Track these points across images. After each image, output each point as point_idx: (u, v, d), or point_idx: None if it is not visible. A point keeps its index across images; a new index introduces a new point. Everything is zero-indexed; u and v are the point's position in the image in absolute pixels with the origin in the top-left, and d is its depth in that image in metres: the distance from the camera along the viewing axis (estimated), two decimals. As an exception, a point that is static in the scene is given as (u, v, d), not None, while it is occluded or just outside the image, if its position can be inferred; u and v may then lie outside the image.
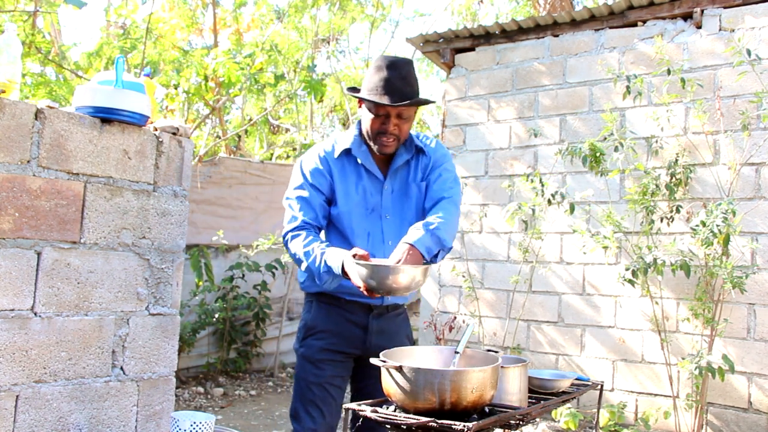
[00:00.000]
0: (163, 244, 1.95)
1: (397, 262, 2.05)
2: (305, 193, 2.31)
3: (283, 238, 2.33)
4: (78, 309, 1.77)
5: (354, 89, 2.39)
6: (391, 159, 2.39)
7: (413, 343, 2.51)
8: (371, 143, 2.32)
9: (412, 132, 2.43)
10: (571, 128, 5.11)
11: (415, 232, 2.15)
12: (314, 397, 2.29)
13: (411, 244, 2.10)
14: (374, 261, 2.12)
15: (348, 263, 2.08)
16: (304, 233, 2.26)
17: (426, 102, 2.31)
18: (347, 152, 2.36)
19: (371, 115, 2.28)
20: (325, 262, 2.16)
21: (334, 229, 2.38)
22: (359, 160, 2.35)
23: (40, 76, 6.77)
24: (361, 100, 2.34)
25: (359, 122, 2.40)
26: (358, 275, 2.04)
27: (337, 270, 2.12)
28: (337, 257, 2.13)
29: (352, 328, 2.34)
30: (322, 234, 2.38)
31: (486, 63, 5.57)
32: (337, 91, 11.08)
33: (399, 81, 2.24)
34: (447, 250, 2.22)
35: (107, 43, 7.37)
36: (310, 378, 2.31)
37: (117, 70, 1.86)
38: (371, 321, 2.35)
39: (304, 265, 2.22)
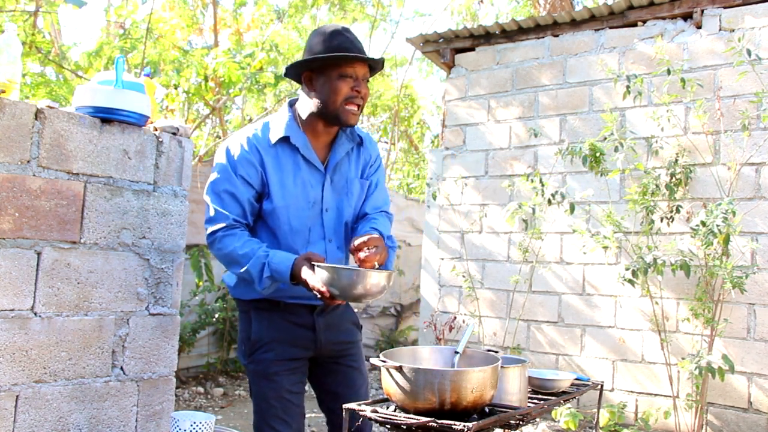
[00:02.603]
0: (163, 244, 1.95)
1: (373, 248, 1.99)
2: (233, 187, 2.09)
3: (209, 237, 2.10)
4: (78, 309, 1.77)
5: (294, 67, 2.13)
6: (330, 148, 2.21)
7: (360, 327, 2.37)
8: (337, 115, 2.09)
9: None
10: (571, 128, 5.11)
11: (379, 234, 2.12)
12: (276, 411, 2.15)
13: (384, 242, 2.07)
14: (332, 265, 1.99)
15: (304, 267, 1.94)
16: (237, 233, 2.08)
17: (383, 65, 2.18)
18: (284, 140, 2.14)
19: (337, 81, 2.06)
20: (268, 265, 2.01)
21: (264, 227, 2.16)
22: (298, 149, 2.14)
23: (40, 76, 6.77)
24: (310, 74, 2.11)
25: (291, 105, 2.21)
26: (320, 280, 1.90)
27: (286, 275, 1.98)
28: (285, 261, 1.99)
29: (300, 331, 2.18)
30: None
31: (486, 63, 5.57)
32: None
33: (358, 43, 2.11)
34: None
35: (107, 43, 7.37)
36: (268, 393, 2.15)
37: (117, 70, 1.86)
38: (317, 319, 2.19)
39: (241, 269, 2.05)
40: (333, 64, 2.07)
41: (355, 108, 2.10)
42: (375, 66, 2.15)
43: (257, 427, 2.20)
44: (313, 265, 1.94)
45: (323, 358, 2.27)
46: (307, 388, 2.30)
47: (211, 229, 2.10)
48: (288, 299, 2.16)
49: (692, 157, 4.57)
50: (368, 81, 2.14)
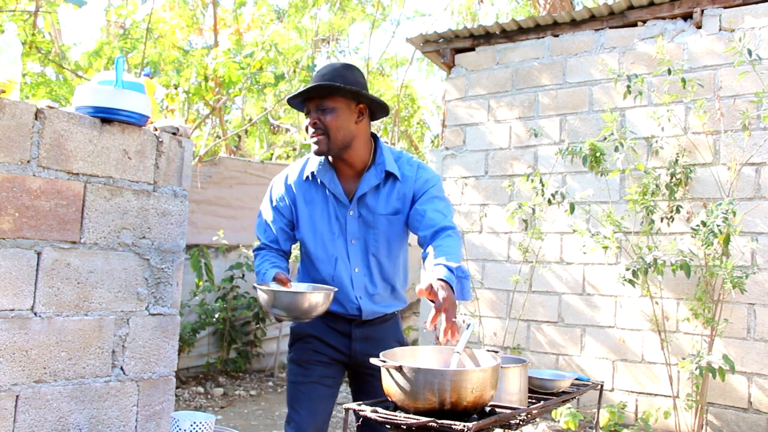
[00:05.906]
0: (163, 244, 1.95)
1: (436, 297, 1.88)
2: (269, 216, 2.38)
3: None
4: (78, 309, 1.77)
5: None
6: (359, 182, 2.28)
7: (405, 345, 2.43)
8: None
9: (392, 151, 2.30)
10: (571, 128, 5.11)
11: (448, 273, 1.93)
12: (302, 396, 2.30)
13: (445, 281, 1.90)
14: (294, 286, 2.16)
15: (257, 286, 2.12)
16: (263, 253, 2.36)
17: (342, 89, 2.13)
18: (313, 175, 2.31)
19: (306, 117, 2.26)
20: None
21: (304, 253, 2.39)
22: (325, 185, 2.28)
23: (40, 76, 6.77)
24: None
25: None
26: (261, 300, 2.09)
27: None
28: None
29: (336, 335, 2.34)
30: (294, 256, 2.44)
31: (486, 63, 5.57)
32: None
33: (326, 74, 2.18)
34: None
35: (107, 43, 7.38)
36: (300, 380, 2.33)
37: (117, 70, 1.86)
38: (353, 329, 2.33)
39: None
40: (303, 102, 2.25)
41: (314, 137, 2.19)
42: (330, 90, 2.15)
43: (288, 415, 2.37)
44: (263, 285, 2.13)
45: (358, 367, 2.35)
46: (343, 389, 2.37)
47: (253, 247, 2.46)
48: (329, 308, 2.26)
49: (692, 157, 4.57)
50: (323, 107, 2.17)
